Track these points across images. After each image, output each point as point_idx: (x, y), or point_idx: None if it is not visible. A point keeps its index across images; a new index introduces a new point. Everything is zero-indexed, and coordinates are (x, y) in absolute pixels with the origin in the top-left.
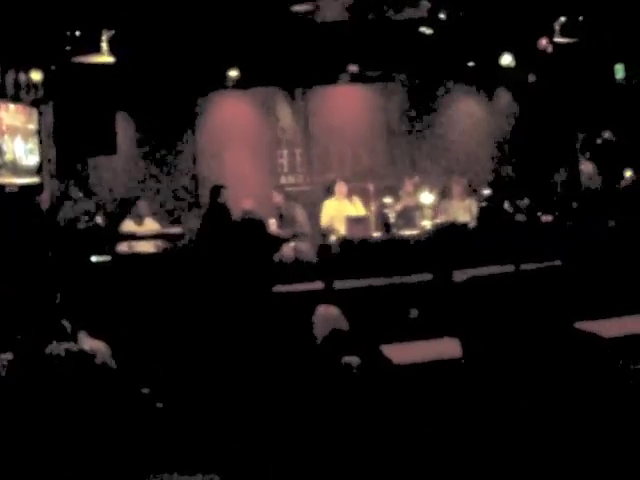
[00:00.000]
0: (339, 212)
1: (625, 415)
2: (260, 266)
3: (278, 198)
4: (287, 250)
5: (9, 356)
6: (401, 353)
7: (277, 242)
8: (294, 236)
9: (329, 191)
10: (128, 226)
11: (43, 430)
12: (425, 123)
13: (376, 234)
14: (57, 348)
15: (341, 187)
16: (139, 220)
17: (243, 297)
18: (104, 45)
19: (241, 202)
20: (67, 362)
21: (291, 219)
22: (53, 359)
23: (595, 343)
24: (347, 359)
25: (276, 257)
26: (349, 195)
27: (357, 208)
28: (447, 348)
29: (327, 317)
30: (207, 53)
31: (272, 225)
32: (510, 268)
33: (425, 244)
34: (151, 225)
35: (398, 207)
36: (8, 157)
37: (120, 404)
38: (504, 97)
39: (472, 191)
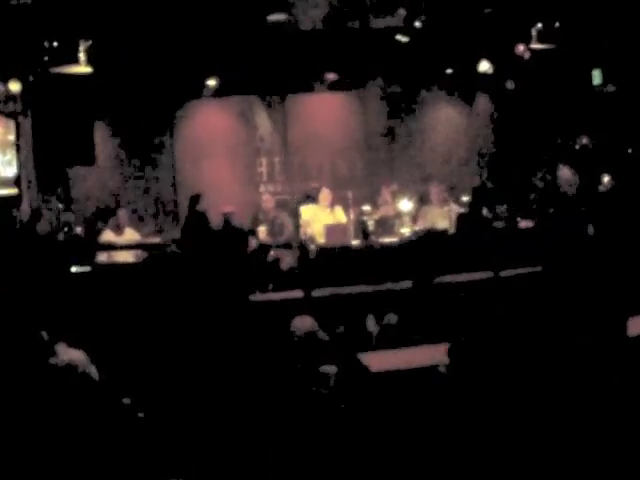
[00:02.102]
0: (317, 218)
1: (604, 421)
2: (239, 274)
3: (270, 204)
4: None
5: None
6: (379, 361)
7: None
8: (286, 245)
9: (310, 198)
10: (107, 236)
11: (25, 441)
12: (403, 130)
13: (355, 242)
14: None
15: (326, 194)
16: (118, 230)
17: (223, 306)
18: (82, 55)
19: (221, 209)
20: (52, 376)
21: (280, 227)
22: (38, 373)
23: (575, 349)
24: (325, 368)
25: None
26: (332, 203)
27: (338, 216)
28: (425, 355)
29: (304, 328)
30: (185, 62)
31: (261, 233)
32: (489, 274)
33: (404, 251)
34: (131, 235)
35: (376, 216)
36: None
37: (101, 414)
38: (482, 103)
39: (451, 198)
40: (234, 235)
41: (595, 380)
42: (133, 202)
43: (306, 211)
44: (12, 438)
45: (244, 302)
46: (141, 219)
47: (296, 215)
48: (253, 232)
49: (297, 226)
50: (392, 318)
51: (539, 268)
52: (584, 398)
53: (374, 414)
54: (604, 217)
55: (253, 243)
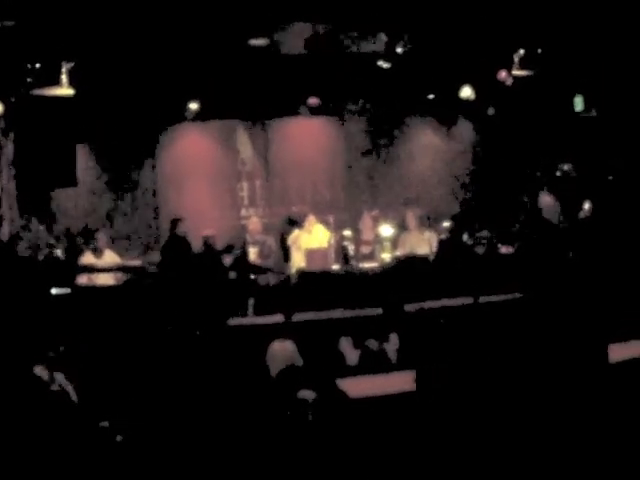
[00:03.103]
0: (300, 243)
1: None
2: (218, 298)
3: (257, 226)
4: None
5: None
6: (357, 387)
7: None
8: (267, 269)
9: (291, 223)
10: (87, 258)
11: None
12: (384, 155)
13: (335, 266)
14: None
15: (311, 220)
16: (98, 252)
17: (202, 329)
18: (64, 77)
19: (201, 232)
20: (32, 396)
21: (269, 249)
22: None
23: (555, 375)
24: (302, 393)
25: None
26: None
27: (322, 238)
28: (403, 381)
29: (282, 352)
30: (167, 86)
31: (252, 254)
32: (469, 300)
33: (383, 277)
34: (110, 257)
35: (362, 244)
36: None
37: (79, 437)
38: (464, 129)
39: (431, 223)
40: (213, 258)
41: (575, 406)
42: (114, 224)
43: (293, 237)
44: None
45: (223, 326)
46: (122, 241)
47: (281, 239)
48: (231, 249)
49: (283, 249)
50: (371, 343)
51: (519, 295)
52: (564, 424)
53: (352, 440)
54: (585, 243)
55: (228, 260)
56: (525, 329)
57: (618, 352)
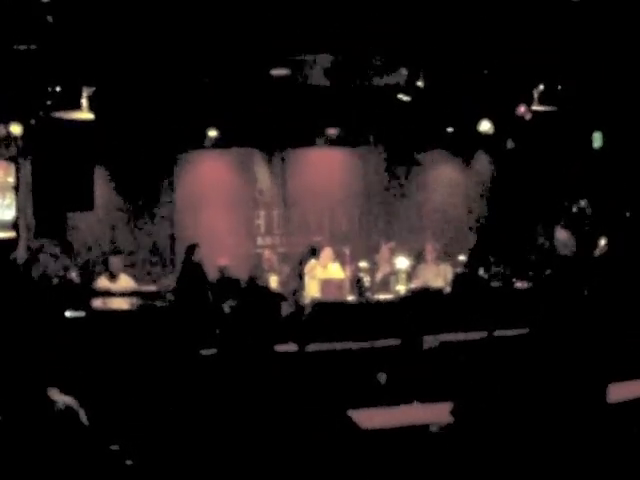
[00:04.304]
0: (314, 273)
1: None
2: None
3: (272, 258)
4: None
5: None
6: (369, 418)
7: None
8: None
9: (312, 253)
10: (102, 282)
11: None
12: (402, 187)
13: (350, 297)
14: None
15: (327, 253)
16: (112, 277)
17: (216, 357)
18: (84, 102)
19: (216, 260)
20: (45, 419)
21: (288, 278)
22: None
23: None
24: (313, 424)
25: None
26: (332, 260)
27: (336, 273)
28: (416, 414)
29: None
30: (186, 112)
31: (273, 282)
32: (483, 334)
33: (397, 309)
34: (125, 281)
35: (378, 275)
36: None
37: (89, 460)
38: (482, 162)
39: (447, 256)
40: (229, 286)
41: (575, 447)
42: (130, 249)
43: (310, 267)
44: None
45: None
46: (137, 266)
47: (298, 269)
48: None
49: (300, 278)
50: (383, 376)
51: (534, 329)
52: (567, 464)
53: (365, 472)
54: (600, 280)
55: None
56: (535, 364)
57: (618, 392)
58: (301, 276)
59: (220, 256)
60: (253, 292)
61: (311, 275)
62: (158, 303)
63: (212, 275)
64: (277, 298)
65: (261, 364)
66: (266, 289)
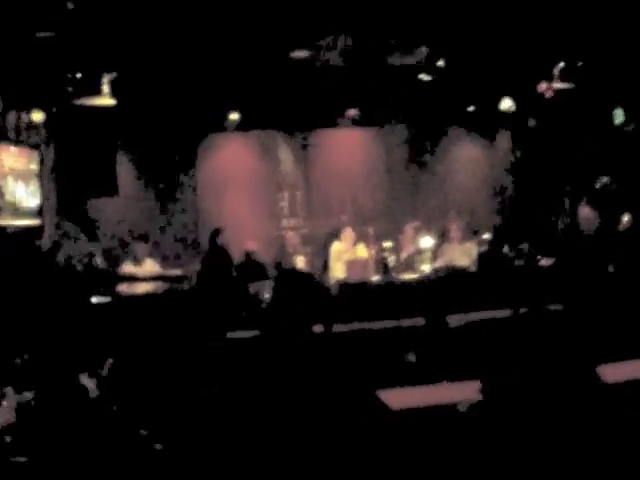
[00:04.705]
0: (340, 256)
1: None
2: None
3: (294, 240)
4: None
5: (29, 395)
6: (398, 398)
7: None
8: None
9: (335, 235)
10: (127, 267)
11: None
12: (425, 167)
13: (375, 277)
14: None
15: (348, 233)
16: (137, 262)
17: (245, 339)
18: (105, 87)
19: (244, 244)
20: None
21: (310, 261)
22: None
23: (597, 389)
24: (343, 405)
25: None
26: (355, 241)
27: (360, 253)
28: (445, 393)
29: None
30: (208, 96)
31: (300, 262)
32: (509, 312)
33: (423, 288)
34: (151, 266)
35: (403, 255)
36: (9, 199)
37: (118, 445)
38: (504, 141)
39: (472, 235)
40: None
41: (615, 419)
42: (154, 234)
43: (336, 249)
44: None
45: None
46: (162, 250)
47: (323, 251)
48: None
49: (324, 262)
50: (410, 355)
51: (560, 307)
52: (601, 437)
53: (394, 453)
54: (624, 256)
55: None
56: (565, 342)
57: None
58: (325, 258)
59: (245, 239)
60: (290, 276)
61: (338, 258)
62: (184, 287)
63: (237, 258)
64: (313, 280)
65: (299, 347)
66: (303, 273)
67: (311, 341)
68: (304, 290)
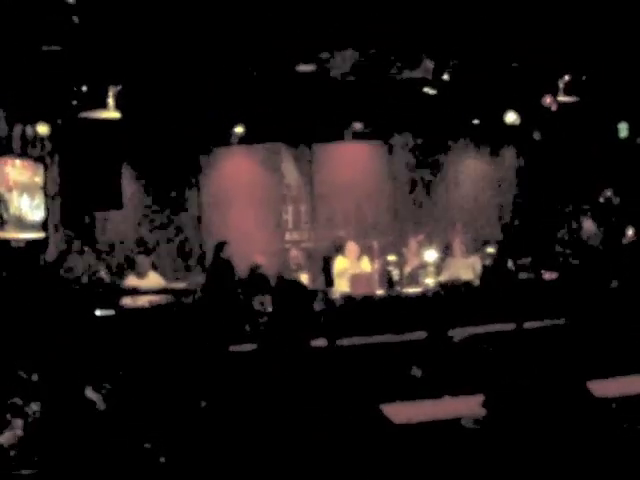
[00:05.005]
0: (345, 271)
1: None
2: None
3: (298, 257)
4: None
5: (35, 407)
6: (401, 413)
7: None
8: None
9: (337, 249)
10: (131, 281)
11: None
12: (430, 180)
13: (379, 291)
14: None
15: (351, 247)
16: (140, 275)
17: (248, 352)
18: (110, 101)
19: (251, 257)
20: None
21: (314, 276)
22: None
23: (597, 403)
24: (344, 419)
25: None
26: (359, 255)
27: (364, 267)
28: (448, 407)
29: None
30: (213, 109)
31: (304, 279)
32: (512, 326)
33: (427, 302)
34: (155, 279)
35: (407, 269)
36: (14, 212)
37: (123, 458)
38: (509, 154)
39: (476, 249)
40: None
41: (614, 434)
42: (159, 247)
43: (340, 263)
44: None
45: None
46: (166, 264)
47: (326, 265)
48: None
49: (326, 276)
50: (415, 370)
51: (563, 321)
52: (602, 451)
53: (396, 467)
54: (628, 270)
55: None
56: (568, 357)
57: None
58: (328, 272)
59: (250, 252)
60: (287, 288)
61: (342, 273)
62: (187, 300)
63: (241, 272)
64: (310, 293)
65: (298, 360)
66: (299, 284)
67: (312, 353)
68: (300, 302)
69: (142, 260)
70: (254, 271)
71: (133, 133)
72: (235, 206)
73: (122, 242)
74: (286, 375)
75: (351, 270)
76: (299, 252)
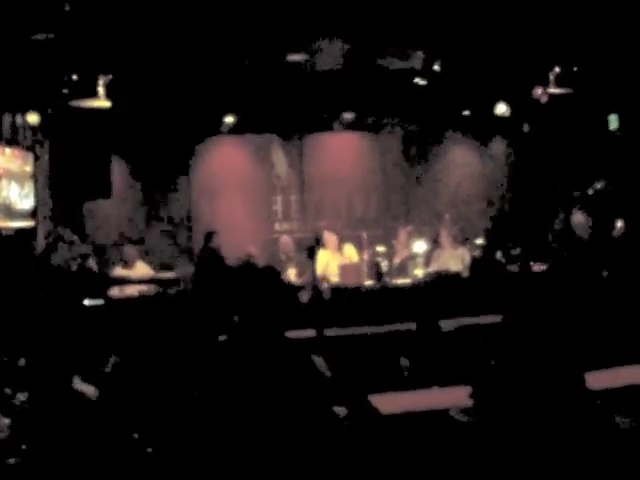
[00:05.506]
0: (332, 262)
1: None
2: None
3: (288, 244)
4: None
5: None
6: (389, 403)
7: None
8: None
9: (318, 242)
10: (118, 271)
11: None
12: (419, 171)
13: (368, 282)
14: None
15: (328, 237)
16: (127, 265)
17: (237, 343)
18: (101, 90)
19: (240, 247)
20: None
21: (302, 266)
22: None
23: (584, 395)
24: (334, 409)
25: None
26: (340, 244)
27: (350, 254)
28: (437, 399)
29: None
30: (203, 99)
31: (291, 275)
32: (501, 317)
33: (416, 293)
34: (142, 269)
35: (396, 260)
36: (2, 201)
37: (110, 448)
38: (499, 146)
39: (465, 240)
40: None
41: (601, 426)
42: (148, 236)
43: (323, 256)
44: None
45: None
46: (155, 253)
47: (311, 256)
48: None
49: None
50: (403, 360)
51: (551, 312)
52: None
53: (384, 457)
54: (618, 262)
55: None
56: (557, 348)
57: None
58: (313, 268)
59: (239, 242)
60: (254, 275)
61: (327, 265)
62: (176, 290)
63: (230, 262)
64: (282, 282)
65: (271, 351)
66: (269, 271)
67: (289, 345)
68: (266, 288)
69: (129, 250)
70: (247, 262)
71: (123, 122)
72: (225, 196)
73: (111, 231)
74: (277, 366)
75: (335, 261)
76: (289, 239)
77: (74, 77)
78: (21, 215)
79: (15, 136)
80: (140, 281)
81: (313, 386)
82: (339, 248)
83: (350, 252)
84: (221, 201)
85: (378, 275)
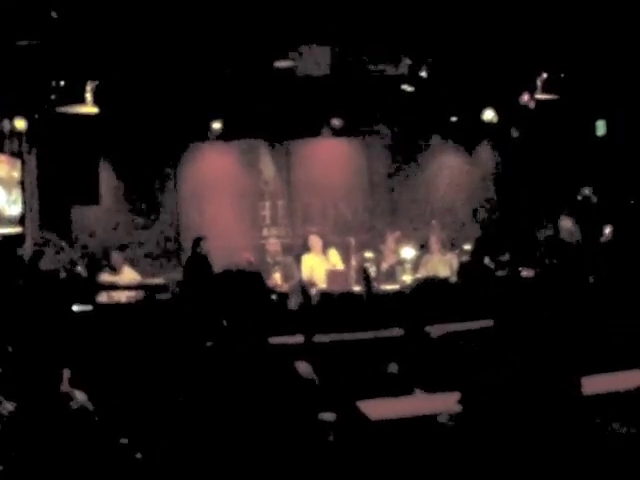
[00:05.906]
0: (318, 266)
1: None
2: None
3: (275, 247)
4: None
5: (10, 406)
6: (378, 409)
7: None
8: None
9: (304, 247)
10: (105, 277)
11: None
12: (407, 177)
13: (356, 288)
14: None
15: (314, 242)
16: (114, 271)
17: (223, 349)
18: (88, 96)
19: (230, 252)
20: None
21: (289, 271)
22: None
23: (572, 400)
24: (323, 416)
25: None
26: (325, 248)
27: (334, 260)
28: (426, 404)
29: (301, 374)
30: (190, 105)
31: (276, 279)
32: (489, 323)
33: (404, 299)
34: (129, 275)
35: (384, 266)
36: None
37: (98, 454)
38: (486, 152)
39: (452, 246)
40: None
41: (590, 431)
42: (136, 242)
43: (308, 261)
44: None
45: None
46: (143, 259)
47: (299, 261)
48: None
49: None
50: (392, 366)
51: (539, 318)
52: (581, 450)
53: (373, 463)
54: (605, 267)
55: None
56: (545, 354)
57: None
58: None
59: (228, 248)
60: (235, 280)
61: (313, 269)
62: (164, 296)
63: (218, 267)
64: (263, 286)
65: (253, 356)
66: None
67: (272, 350)
68: (253, 294)
69: (116, 256)
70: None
71: (111, 128)
72: (213, 202)
73: (99, 237)
74: (247, 372)
75: (321, 265)
76: (277, 243)
77: (61, 83)
78: (9, 221)
79: (2, 142)
80: (128, 287)
81: (300, 392)
82: (324, 253)
83: (334, 258)
84: (209, 207)
85: (366, 281)
